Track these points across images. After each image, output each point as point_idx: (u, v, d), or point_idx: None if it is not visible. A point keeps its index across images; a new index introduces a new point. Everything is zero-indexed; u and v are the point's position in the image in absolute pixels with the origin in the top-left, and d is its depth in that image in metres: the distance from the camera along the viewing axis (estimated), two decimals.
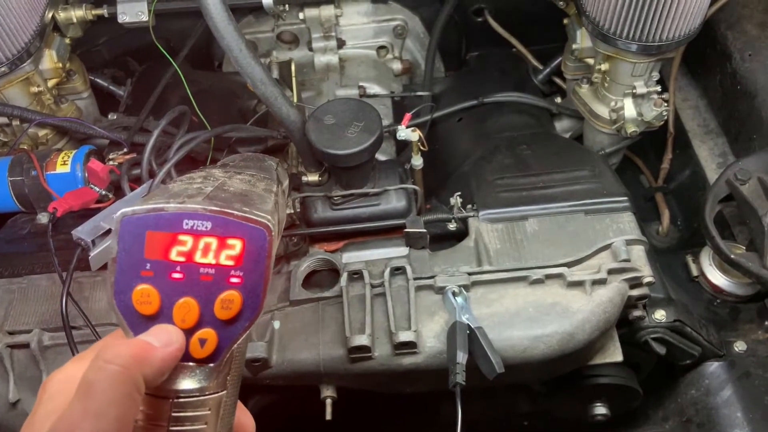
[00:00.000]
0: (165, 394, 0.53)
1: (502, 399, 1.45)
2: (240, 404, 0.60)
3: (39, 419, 0.50)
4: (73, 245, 1.08)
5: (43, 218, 1.23)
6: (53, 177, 1.21)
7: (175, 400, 0.53)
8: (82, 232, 1.06)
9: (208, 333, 0.54)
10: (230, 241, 0.54)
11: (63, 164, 1.21)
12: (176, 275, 0.53)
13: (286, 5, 1.51)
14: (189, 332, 0.54)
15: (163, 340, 0.52)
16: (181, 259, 0.53)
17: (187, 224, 0.53)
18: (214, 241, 0.53)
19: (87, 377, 0.48)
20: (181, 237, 0.53)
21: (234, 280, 0.54)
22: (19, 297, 1.13)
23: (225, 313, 0.54)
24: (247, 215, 0.54)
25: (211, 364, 0.54)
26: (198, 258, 0.53)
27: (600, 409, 1.28)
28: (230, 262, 0.54)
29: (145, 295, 0.53)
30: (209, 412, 0.54)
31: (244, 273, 0.54)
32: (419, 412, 1.46)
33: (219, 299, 0.54)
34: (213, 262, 0.54)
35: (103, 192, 1.21)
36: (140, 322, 0.54)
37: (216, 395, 0.54)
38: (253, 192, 0.62)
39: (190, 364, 0.54)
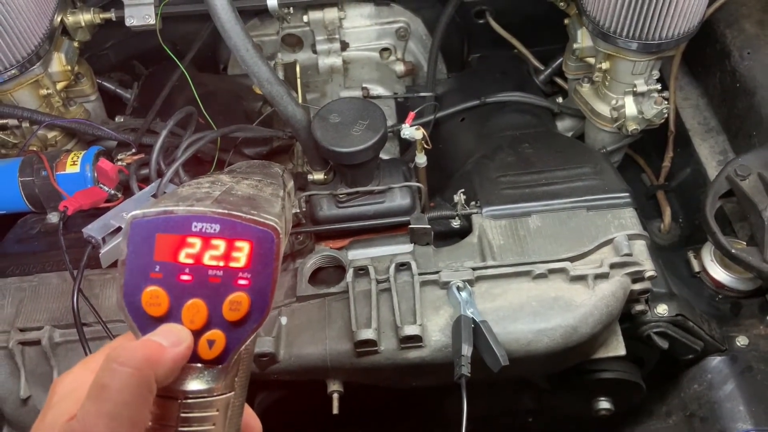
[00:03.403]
0: (174, 394, 0.53)
1: (506, 396, 1.46)
2: (247, 406, 0.60)
3: (49, 422, 0.51)
4: (83, 244, 1.10)
5: (53, 218, 1.25)
6: (63, 177, 1.22)
7: (184, 401, 0.53)
8: (93, 229, 1.08)
9: (216, 334, 0.54)
10: (238, 244, 0.54)
11: (73, 164, 1.23)
12: (185, 277, 0.54)
13: (291, 8, 1.53)
14: (197, 334, 0.54)
15: (171, 340, 0.52)
16: (190, 261, 0.54)
17: (196, 227, 0.54)
18: (222, 244, 0.54)
19: (100, 380, 0.49)
20: (190, 239, 0.54)
21: (242, 282, 0.54)
22: (30, 295, 1.14)
23: (233, 314, 0.54)
24: (255, 218, 0.55)
25: (220, 366, 0.55)
26: (206, 260, 0.54)
27: (603, 404, 1.30)
28: (238, 265, 0.54)
29: (154, 297, 0.54)
30: (217, 413, 0.54)
31: (252, 275, 0.54)
32: (424, 410, 1.47)
33: (227, 301, 0.54)
34: (221, 264, 0.54)
35: (112, 191, 1.23)
36: (149, 324, 0.54)
37: (224, 396, 0.55)
38: (260, 196, 0.63)
39: (199, 365, 0.54)
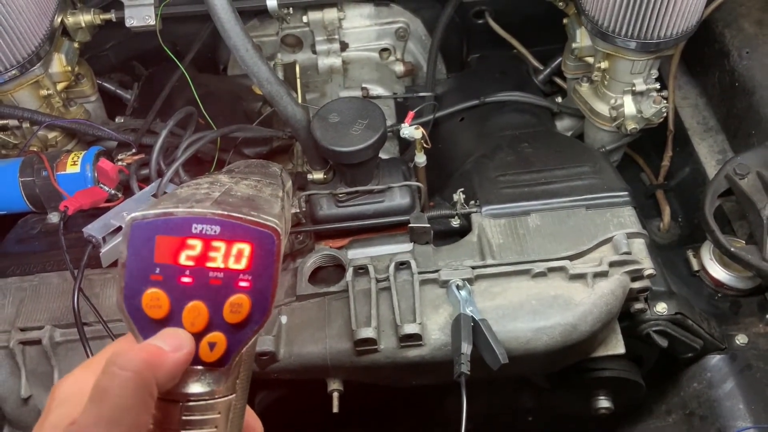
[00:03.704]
0: (175, 397, 0.53)
1: (505, 394, 1.46)
2: (248, 407, 0.60)
3: (49, 425, 0.51)
4: (83, 243, 1.11)
5: (53, 218, 1.25)
6: (64, 177, 1.23)
7: (185, 404, 0.53)
8: (93, 229, 1.09)
9: (217, 337, 0.54)
10: (239, 245, 0.54)
11: (73, 165, 1.23)
12: (185, 279, 0.54)
13: (290, 8, 1.54)
14: (198, 336, 0.54)
15: (173, 345, 0.52)
16: (190, 263, 0.54)
17: (196, 228, 0.54)
18: (222, 245, 0.54)
19: (100, 384, 0.48)
20: (190, 241, 0.54)
21: (243, 283, 0.54)
22: (31, 294, 1.15)
23: (234, 316, 0.54)
24: (255, 219, 0.54)
25: (221, 368, 0.54)
26: (207, 262, 0.54)
27: (603, 403, 1.30)
28: (239, 266, 0.54)
29: (154, 299, 0.53)
30: (219, 415, 0.54)
31: (253, 277, 0.54)
32: (423, 408, 1.48)
33: (228, 303, 0.54)
34: (222, 266, 0.54)
35: (113, 191, 1.23)
36: (150, 327, 0.54)
37: (225, 399, 0.55)
38: (259, 197, 0.63)
39: (200, 367, 0.54)
